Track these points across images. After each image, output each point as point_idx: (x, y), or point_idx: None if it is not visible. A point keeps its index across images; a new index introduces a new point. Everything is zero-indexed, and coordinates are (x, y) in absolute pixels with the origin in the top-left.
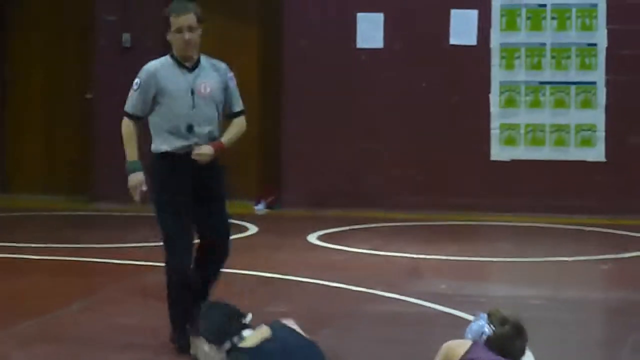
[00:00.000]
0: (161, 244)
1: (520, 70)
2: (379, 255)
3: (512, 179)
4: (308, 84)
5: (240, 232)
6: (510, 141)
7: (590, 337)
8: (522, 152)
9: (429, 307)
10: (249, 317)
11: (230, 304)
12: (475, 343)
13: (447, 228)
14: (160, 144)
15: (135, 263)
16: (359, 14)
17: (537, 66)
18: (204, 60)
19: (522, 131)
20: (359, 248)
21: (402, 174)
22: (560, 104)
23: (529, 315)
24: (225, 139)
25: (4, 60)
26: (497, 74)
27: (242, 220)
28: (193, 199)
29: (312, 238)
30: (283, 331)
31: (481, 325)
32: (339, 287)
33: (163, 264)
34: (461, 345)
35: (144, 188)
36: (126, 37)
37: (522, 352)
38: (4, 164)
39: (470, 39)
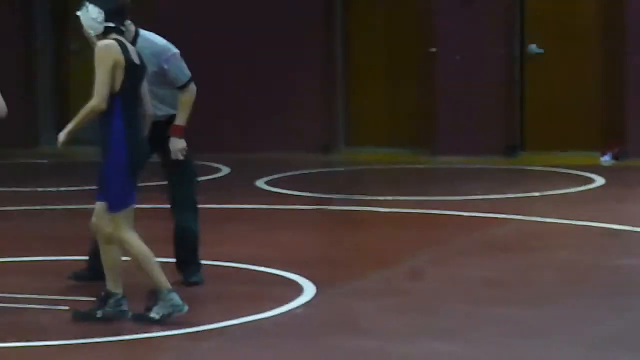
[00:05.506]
0: None
1: None
2: None
3: None
4: None
5: (587, 183)
6: None
7: None
8: None
9: None
10: None
11: None
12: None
13: None
14: None
15: (482, 215)
16: None
17: None
18: None
19: None
20: None
21: None
22: None
23: None
24: None
25: (347, 11)
26: None
27: (588, 172)
28: None
29: None
30: None
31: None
32: None
33: (510, 216)
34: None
35: None
36: None
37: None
38: (348, 118)
39: None
